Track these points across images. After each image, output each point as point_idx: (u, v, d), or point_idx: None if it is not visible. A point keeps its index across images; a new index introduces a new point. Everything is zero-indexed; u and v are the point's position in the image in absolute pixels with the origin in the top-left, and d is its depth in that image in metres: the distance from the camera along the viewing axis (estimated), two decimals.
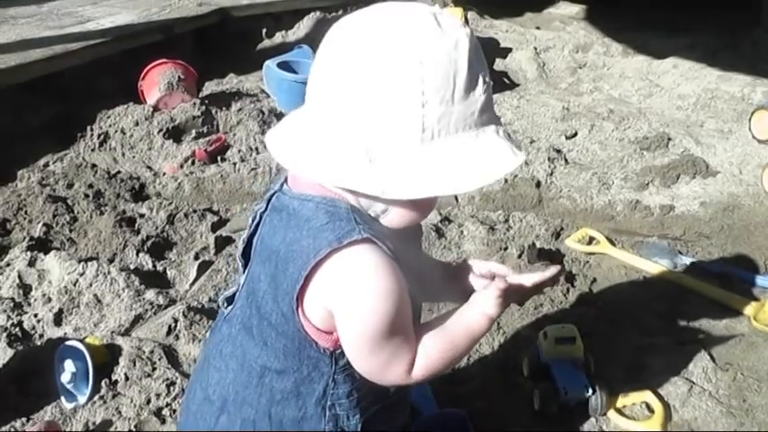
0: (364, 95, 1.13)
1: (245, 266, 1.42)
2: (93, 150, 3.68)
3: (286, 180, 1.33)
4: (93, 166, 3.48)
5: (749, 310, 2.39)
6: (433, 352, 1.30)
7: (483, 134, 1.17)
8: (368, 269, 1.18)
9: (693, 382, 2.10)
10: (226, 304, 1.44)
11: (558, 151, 3.67)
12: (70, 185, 3.28)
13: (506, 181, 3.33)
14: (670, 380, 2.11)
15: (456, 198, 3.23)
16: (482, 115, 1.17)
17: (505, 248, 2.77)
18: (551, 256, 2.74)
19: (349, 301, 1.20)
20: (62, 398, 2.12)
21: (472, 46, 1.15)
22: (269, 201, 1.35)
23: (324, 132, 1.18)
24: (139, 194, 3.35)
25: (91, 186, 3.28)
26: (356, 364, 1.27)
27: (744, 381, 2.11)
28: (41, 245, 2.82)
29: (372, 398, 1.36)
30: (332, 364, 1.29)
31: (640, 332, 2.34)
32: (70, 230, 2.98)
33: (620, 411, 2.00)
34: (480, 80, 1.16)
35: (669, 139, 3.76)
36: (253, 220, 1.40)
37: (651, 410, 2.00)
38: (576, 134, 3.92)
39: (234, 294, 1.42)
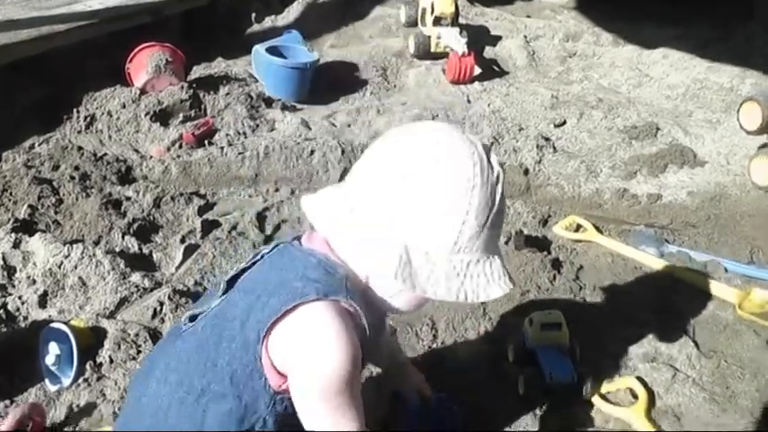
0: (419, 202, 1.24)
1: (224, 291, 1.43)
2: (79, 132, 3.65)
3: (298, 238, 1.43)
4: (80, 148, 3.45)
5: (734, 298, 2.41)
6: None
7: (493, 260, 1.31)
8: (337, 329, 1.23)
9: (677, 369, 2.11)
10: (187, 321, 1.44)
11: (547, 139, 3.68)
12: (56, 167, 3.25)
13: None
14: (654, 366, 2.12)
15: None
16: (495, 244, 1.32)
17: None
18: (538, 243, 2.75)
19: (307, 350, 1.24)
20: (46, 380, 2.11)
21: (504, 184, 1.29)
22: (275, 247, 1.43)
23: (368, 223, 1.27)
24: (126, 177, 3.32)
25: (77, 168, 3.25)
26: (301, 411, 1.28)
27: (727, 368, 2.13)
28: (26, 227, 2.79)
29: None
30: (269, 405, 1.29)
31: (626, 319, 2.35)
32: (55, 212, 2.95)
33: (604, 397, 2.01)
34: (503, 217, 1.32)
35: (657, 128, 3.77)
36: (254, 257, 1.46)
37: (635, 396, 2.01)
38: (564, 122, 3.93)
39: (199, 314, 1.43)
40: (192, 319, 1.43)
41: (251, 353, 1.27)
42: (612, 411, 1.97)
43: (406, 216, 1.24)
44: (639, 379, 2.06)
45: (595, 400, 2.00)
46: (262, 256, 1.43)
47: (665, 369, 2.10)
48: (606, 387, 2.04)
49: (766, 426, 1.93)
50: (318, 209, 1.34)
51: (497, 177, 1.27)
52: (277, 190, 3.29)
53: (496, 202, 1.26)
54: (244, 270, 1.44)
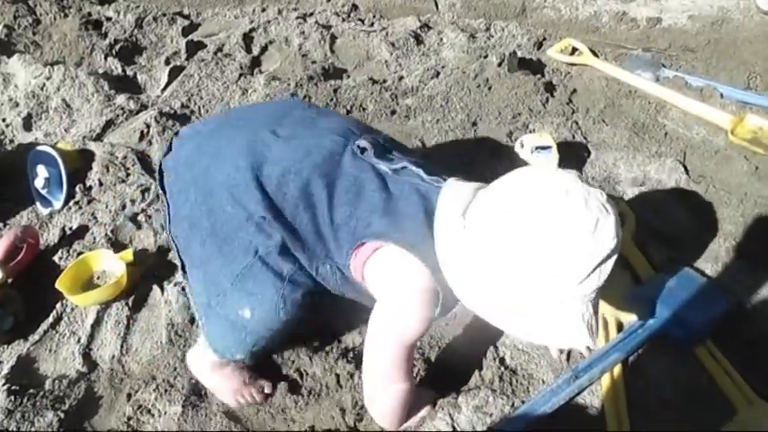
0: (527, 260, 1.22)
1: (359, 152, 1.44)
2: None
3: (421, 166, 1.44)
4: None
5: (728, 124, 2.38)
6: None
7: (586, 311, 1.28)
8: (428, 302, 1.33)
9: (666, 194, 2.12)
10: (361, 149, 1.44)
11: None
12: None
13: None
14: (643, 190, 2.13)
15: (436, 4, 3.11)
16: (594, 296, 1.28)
17: (485, 57, 2.70)
18: (532, 66, 2.69)
19: (401, 302, 1.35)
20: (37, 203, 2.12)
21: (612, 256, 1.24)
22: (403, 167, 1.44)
23: (473, 258, 1.27)
24: None
25: None
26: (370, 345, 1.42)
27: (715, 193, 2.14)
28: (4, 47, 2.72)
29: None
30: (337, 265, 1.38)
31: (617, 143, 2.34)
32: (33, 33, 2.86)
33: None
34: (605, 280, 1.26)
35: None
36: (399, 163, 1.44)
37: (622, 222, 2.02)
38: None
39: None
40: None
41: (355, 238, 1.35)
42: None
43: (511, 269, 1.24)
44: (628, 203, 2.07)
45: None
46: (402, 167, 1.42)
47: (654, 193, 2.11)
48: None
49: (746, 249, 1.96)
50: (444, 207, 1.35)
51: (608, 253, 1.23)
52: (264, 9, 3.17)
53: (602, 275, 1.24)
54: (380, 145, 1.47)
